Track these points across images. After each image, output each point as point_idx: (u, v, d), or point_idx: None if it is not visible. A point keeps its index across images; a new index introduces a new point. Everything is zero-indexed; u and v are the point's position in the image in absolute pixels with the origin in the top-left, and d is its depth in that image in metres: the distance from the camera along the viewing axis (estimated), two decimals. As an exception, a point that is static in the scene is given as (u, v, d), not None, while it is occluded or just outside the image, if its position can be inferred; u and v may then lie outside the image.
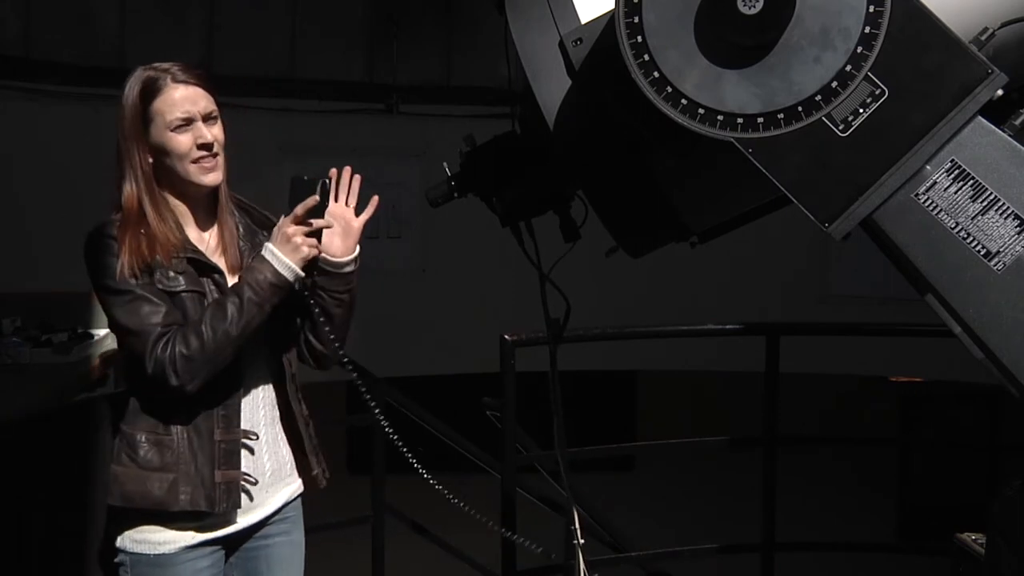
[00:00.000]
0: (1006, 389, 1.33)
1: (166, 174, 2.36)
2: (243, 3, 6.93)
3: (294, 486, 2.54)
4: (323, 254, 2.39)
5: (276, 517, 2.49)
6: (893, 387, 9.50)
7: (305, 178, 2.32)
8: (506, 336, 3.89)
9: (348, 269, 2.44)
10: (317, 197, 2.30)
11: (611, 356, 6.67)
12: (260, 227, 2.49)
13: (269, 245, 2.32)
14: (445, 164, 1.67)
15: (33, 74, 6.25)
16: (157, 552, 2.34)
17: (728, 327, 4.63)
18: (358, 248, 2.46)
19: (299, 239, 2.30)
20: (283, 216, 2.34)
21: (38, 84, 6.21)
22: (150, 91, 2.33)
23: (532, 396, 4.10)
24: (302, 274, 2.33)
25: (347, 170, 2.45)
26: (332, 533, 4.50)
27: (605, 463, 6.83)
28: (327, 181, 2.35)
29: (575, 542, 2.20)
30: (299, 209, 2.29)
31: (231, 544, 2.45)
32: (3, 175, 6.00)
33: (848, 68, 1.30)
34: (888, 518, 9.24)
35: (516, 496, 4.03)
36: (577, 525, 2.17)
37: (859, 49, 1.30)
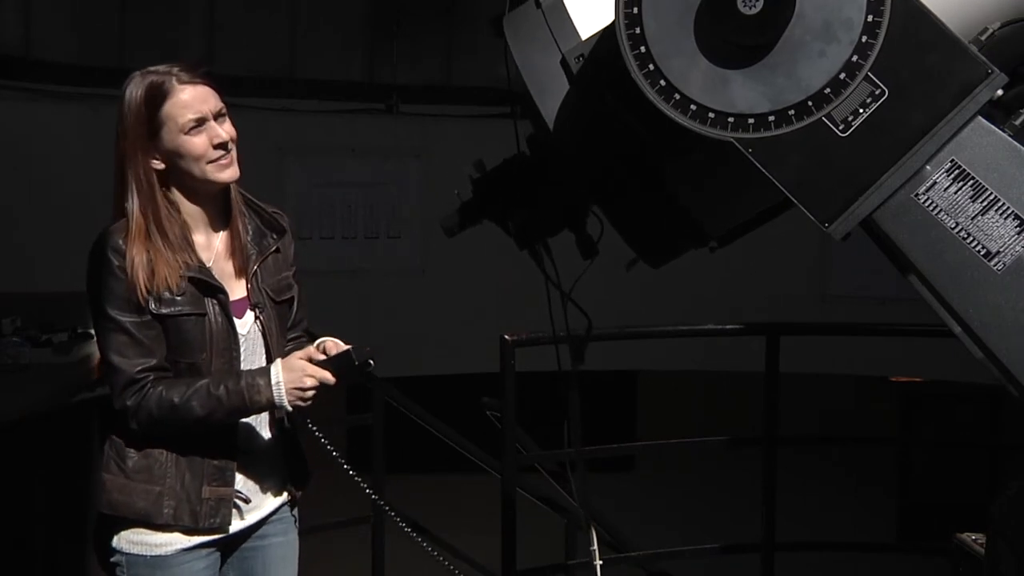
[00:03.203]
0: (1006, 389, 1.33)
1: (178, 177, 2.31)
2: (243, 3, 6.92)
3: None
4: None
5: (273, 517, 2.49)
6: (893, 387, 9.49)
7: (369, 362, 2.31)
8: (506, 336, 3.89)
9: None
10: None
11: (611, 356, 6.66)
12: (269, 228, 2.45)
13: (279, 377, 2.28)
14: (457, 192, 1.64)
15: (33, 74, 6.24)
16: (153, 554, 2.33)
17: (728, 327, 4.63)
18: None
19: (310, 393, 2.29)
20: (313, 347, 2.35)
21: (38, 84, 6.20)
22: (157, 96, 2.26)
23: (532, 396, 4.10)
24: (289, 409, 2.32)
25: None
26: (332, 533, 4.51)
27: (605, 463, 6.80)
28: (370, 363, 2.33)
29: (595, 563, 2.18)
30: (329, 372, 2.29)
31: (229, 545, 2.44)
32: (2, 175, 6.00)
33: (855, 59, 1.29)
34: (888, 518, 9.23)
35: (516, 496, 4.02)
36: (595, 537, 2.15)
37: (864, 38, 1.29)
